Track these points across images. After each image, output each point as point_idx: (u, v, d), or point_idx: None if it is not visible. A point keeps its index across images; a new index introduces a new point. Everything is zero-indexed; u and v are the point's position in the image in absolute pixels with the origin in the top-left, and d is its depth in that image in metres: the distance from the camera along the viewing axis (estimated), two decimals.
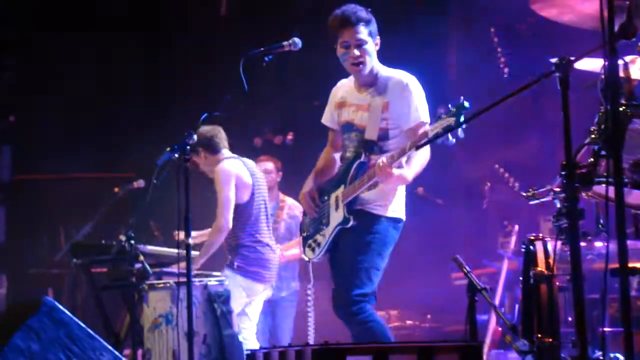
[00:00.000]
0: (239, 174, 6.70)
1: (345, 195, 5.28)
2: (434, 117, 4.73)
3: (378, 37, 5.36)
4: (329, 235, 5.33)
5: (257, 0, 9.77)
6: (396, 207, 5.34)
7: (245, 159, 6.91)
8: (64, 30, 9.02)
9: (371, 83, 5.39)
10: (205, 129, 6.61)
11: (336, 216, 5.31)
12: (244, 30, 9.36)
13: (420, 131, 4.96)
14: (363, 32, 5.28)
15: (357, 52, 5.28)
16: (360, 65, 5.32)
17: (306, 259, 5.55)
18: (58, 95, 9.02)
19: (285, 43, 5.30)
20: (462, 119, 4.50)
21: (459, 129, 4.50)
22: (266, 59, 5.21)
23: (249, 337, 6.75)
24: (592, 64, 4.23)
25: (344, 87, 5.58)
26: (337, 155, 5.60)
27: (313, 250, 5.44)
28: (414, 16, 8.50)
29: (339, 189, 5.34)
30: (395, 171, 5.02)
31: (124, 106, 9.03)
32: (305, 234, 5.57)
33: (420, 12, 8.62)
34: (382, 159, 5.01)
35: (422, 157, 5.19)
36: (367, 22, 5.30)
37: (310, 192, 5.54)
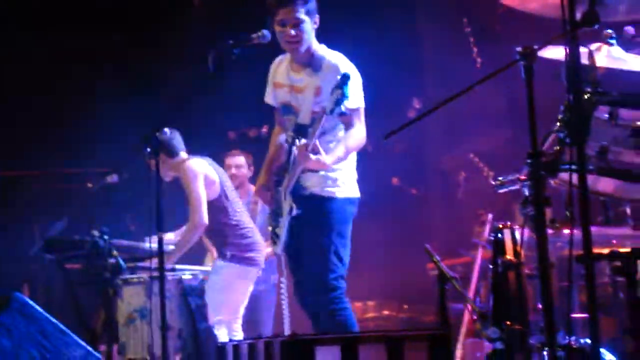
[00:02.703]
0: (205, 171, 6.73)
1: (288, 182, 5.31)
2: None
3: (317, 16, 5.36)
4: (283, 227, 5.33)
5: None
6: (346, 186, 5.36)
7: (205, 157, 6.95)
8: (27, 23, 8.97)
9: (307, 62, 5.40)
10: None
11: (285, 206, 5.33)
12: (217, 20, 9.33)
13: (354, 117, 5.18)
14: (300, 11, 5.28)
15: (292, 32, 5.29)
16: (296, 45, 5.33)
17: (274, 251, 5.57)
18: (26, 88, 8.99)
19: (253, 35, 5.29)
20: (345, 89, 4.91)
21: (347, 102, 4.98)
22: (235, 51, 5.19)
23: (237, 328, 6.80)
24: (560, 53, 4.24)
25: (280, 67, 5.58)
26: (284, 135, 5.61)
27: (275, 243, 5.46)
28: (383, 6, 8.50)
29: (286, 177, 5.36)
30: (312, 156, 5.06)
31: (93, 99, 8.98)
32: (271, 227, 5.56)
33: (393, 2, 8.63)
34: (302, 141, 5.07)
35: (350, 139, 5.23)
36: (305, 1, 5.29)
37: (265, 185, 5.57)
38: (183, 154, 6.84)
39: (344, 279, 5.29)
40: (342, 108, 4.95)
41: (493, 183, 4.45)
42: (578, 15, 3.40)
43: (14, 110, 9.12)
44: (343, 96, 4.91)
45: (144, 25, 9.61)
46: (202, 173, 6.70)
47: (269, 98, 5.66)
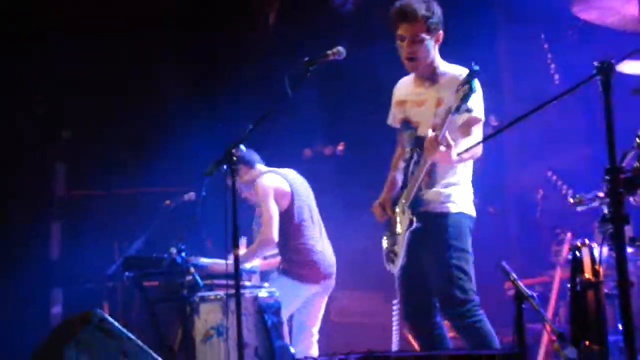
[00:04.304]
0: (277, 186, 6.84)
1: (407, 196, 5.25)
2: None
3: (440, 32, 5.30)
4: (402, 243, 5.26)
5: (305, 9, 9.79)
6: (463, 204, 5.30)
7: (281, 170, 7.06)
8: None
9: (428, 77, 5.36)
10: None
11: (404, 221, 5.26)
12: (290, 38, 9.39)
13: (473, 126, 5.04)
14: (419, 27, 5.21)
15: (410, 48, 5.25)
16: (412, 62, 5.29)
17: (391, 270, 5.47)
18: (106, 109, 9.15)
19: (329, 52, 5.21)
20: (474, 84, 4.75)
21: (474, 96, 4.83)
22: (310, 68, 5.18)
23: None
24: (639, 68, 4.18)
25: (404, 84, 5.57)
26: None
27: (393, 261, 5.38)
28: (462, 20, 8.45)
29: (403, 194, 5.32)
30: (442, 147, 4.92)
31: (172, 118, 9.10)
32: (385, 247, 5.48)
33: (469, 15, 8.57)
34: (430, 131, 4.97)
35: (470, 143, 5.08)
36: (427, 17, 5.22)
37: (381, 202, 5.50)
38: (260, 166, 6.96)
39: (474, 292, 5.22)
40: (469, 105, 4.83)
41: (571, 201, 4.39)
42: None
43: (97, 130, 9.28)
44: (470, 90, 4.77)
45: (222, 45, 9.72)
46: (273, 187, 6.82)
47: (391, 120, 5.63)
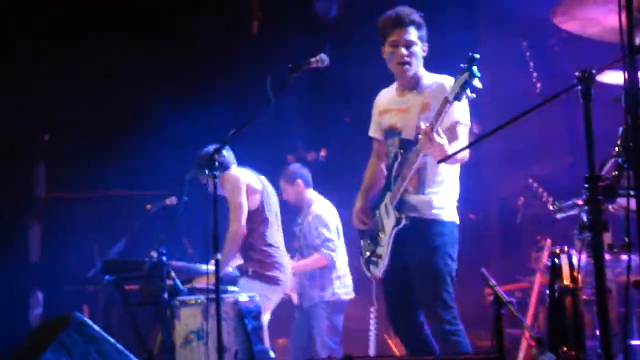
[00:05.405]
0: (248, 182, 6.80)
1: (392, 198, 5.26)
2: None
3: (426, 44, 5.39)
4: (387, 244, 5.28)
5: (287, 17, 9.82)
6: (452, 211, 5.34)
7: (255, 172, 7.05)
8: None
9: (413, 87, 5.40)
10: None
11: (389, 222, 5.28)
12: (272, 45, 9.41)
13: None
14: (413, 33, 5.32)
15: (404, 51, 5.31)
16: (406, 66, 5.34)
17: (374, 275, 5.46)
18: (87, 111, 9.13)
19: (312, 59, 5.27)
20: (474, 69, 4.70)
21: (476, 80, 4.71)
22: (293, 75, 5.20)
23: None
24: (619, 78, 4.20)
25: (386, 95, 5.60)
26: (384, 166, 5.58)
27: (377, 264, 5.38)
28: (445, 28, 8.48)
29: (386, 196, 5.34)
30: (437, 138, 4.89)
31: (153, 123, 9.10)
32: (366, 255, 5.50)
33: (451, 24, 8.61)
34: (423, 124, 4.97)
35: (458, 147, 5.06)
36: (419, 26, 5.35)
37: (360, 209, 5.53)
38: (234, 167, 6.94)
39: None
40: (468, 92, 4.76)
41: (551, 208, 4.41)
42: (638, 40, 3.37)
43: (76, 132, 9.26)
44: (472, 77, 4.72)
45: (204, 53, 9.73)
46: (244, 182, 6.79)
47: (373, 131, 5.65)
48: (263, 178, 7.11)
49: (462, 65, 4.80)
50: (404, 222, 5.19)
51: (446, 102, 4.86)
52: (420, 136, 4.95)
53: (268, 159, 8.28)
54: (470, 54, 4.77)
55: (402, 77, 5.42)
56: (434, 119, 4.93)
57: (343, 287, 7.76)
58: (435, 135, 4.89)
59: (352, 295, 7.84)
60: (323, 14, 9.75)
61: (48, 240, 9.29)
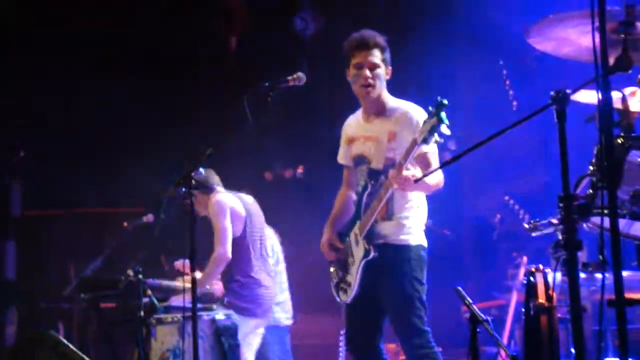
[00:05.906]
0: (233, 206, 6.73)
1: (361, 228, 5.28)
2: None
3: (390, 68, 5.40)
4: (356, 273, 5.29)
5: (265, 35, 9.83)
6: (419, 235, 5.34)
7: (241, 194, 6.96)
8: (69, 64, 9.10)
9: (378, 112, 5.40)
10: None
11: (358, 252, 5.30)
12: (250, 64, 9.43)
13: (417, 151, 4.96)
14: (377, 56, 5.33)
15: (368, 74, 5.31)
16: (370, 88, 5.33)
17: (343, 301, 5.47)
18: (62, 129, 9.11)
19: (289, 77, 5.27)
20: (442, 115, 4.68)
21: (444, 127, 4.69)
22: (271, 94, 5.20)
23: None
24: (593, 97, 4.24)
25: (353, 122, 5.60)
26: (353, 193, 5.57)
27: (345, 291, 5.40)
28: (423, 48, 8.53)
29: (356, 225, 5.35)
30: (406, 172, 4.92)
31: (130, 140, 9.09)
32: (335, 280, 5.51)
33: (429, 41, 8.65)
34: (391, 171, 4.99)
35: (433, 176, 5.10)
36: (383, 49, 5.35)
37: (328, 240, 5.53)
38: (219, 189, 6.86)
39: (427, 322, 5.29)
40: (436, 137, 4.74)
41: (526, 226, 4.44)
42: (611, 61, 3.40)
43: (52, 148, 9.23)
44: (439, 122, 4.70)
45: (183, 71, 9.73)
46: (229, 206, 6.70)
47: (341, 156, 5.66)
48: (249, 199, 7.01)
49: (430, 108, 4.79)
50: (372, 254, 5.22)
51: (414, 143, 4.86)
52: (390, 176, 4.98)
53: (244, 177, 8.28)
54: (438, 98, 4.75)
55: (366, 99, 5.41)
56: (403, 158, 4.94)
57: (283, 312, 7.63)
58: (405, 172, 4.92)
59: (291, 320, 7.70)
60: (300, 31, 9.79)
61: (24, 258, 9.23)
